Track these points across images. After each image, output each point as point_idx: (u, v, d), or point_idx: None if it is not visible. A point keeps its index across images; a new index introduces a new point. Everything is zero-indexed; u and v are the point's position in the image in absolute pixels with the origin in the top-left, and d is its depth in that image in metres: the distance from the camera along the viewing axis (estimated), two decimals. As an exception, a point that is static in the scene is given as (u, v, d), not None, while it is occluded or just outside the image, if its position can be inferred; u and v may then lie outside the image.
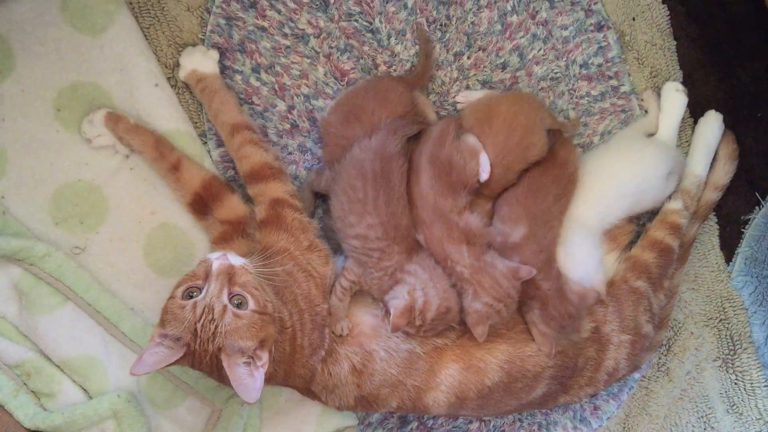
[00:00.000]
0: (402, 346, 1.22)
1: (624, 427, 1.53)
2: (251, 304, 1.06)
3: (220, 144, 1.35)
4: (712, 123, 1.46)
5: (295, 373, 1.18)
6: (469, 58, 1.41)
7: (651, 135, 1.45)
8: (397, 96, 1.27)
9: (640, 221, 1.47)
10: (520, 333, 1.27)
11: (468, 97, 1.39)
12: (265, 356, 1.05)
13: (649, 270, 1.37)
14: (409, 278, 1.17)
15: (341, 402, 1.23)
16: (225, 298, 1.04)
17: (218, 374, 1.06)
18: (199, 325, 1.02)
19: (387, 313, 1.19)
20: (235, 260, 1.09)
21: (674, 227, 1.40)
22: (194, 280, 1.07)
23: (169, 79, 1.33)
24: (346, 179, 1.20)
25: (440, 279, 1.18)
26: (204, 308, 1.02)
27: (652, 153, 1.37)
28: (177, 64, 1.32)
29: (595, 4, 1.43)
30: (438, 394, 1.23)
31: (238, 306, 1.05)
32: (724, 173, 1.47)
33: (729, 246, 1.51)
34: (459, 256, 1.19)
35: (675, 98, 1.44)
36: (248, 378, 1.03)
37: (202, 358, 1.04)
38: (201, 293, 1.04)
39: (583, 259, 1.31)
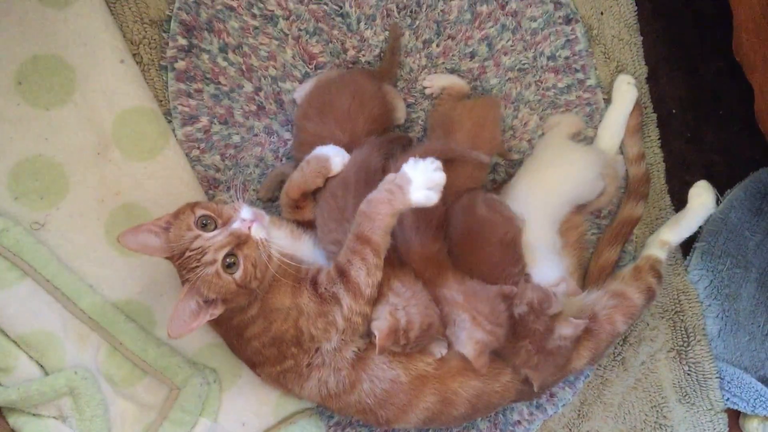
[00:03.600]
0: (387, 375, 1.20)
1: (579, 414, 1.55)
2: (237, 275, 1.08)
3: (185, 123, 1.34)
4: (705, 195, 1.47)
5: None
6: (438, 45, 1.42)
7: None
8: (370, 95, 1.28)
9: (599, 216, 1.50)
10: (491, 369, 1.24)
11: (434, 81, 1.40)
12: (219, 311, 1.09)
13: (637, 313, 1.37)
14: (391, 296, 1.16)
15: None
16: (221, 255, 1.07)
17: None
18: (187, 253, 1.07)
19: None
20: (258, 233, 1.11)
21: (659, 277, 1.42)
22: (216, 215, 1.10)
23: (134, 55, 1.32)
24: (328, 188, 1.21)
25: (421, 294, 1.16)
26: (199, 247, 1.06)
27: (583, 161, 1.38)
28: (143, 41, 1.30)
29: (564, -4, 1.45)
30: (406, 424, 1.25)
31: (228, 267, 1.07)
32: (636, 143, 1.48)
33: (686, 240, 1.53)
34: (444, 282, 1.18)
35: (625, 91, 1.46)
36: (190, 315, 1.07)
37: (176, 268, 1.10)
38: (209, 233, 1.07)
39: (550, 273, 1.32)
